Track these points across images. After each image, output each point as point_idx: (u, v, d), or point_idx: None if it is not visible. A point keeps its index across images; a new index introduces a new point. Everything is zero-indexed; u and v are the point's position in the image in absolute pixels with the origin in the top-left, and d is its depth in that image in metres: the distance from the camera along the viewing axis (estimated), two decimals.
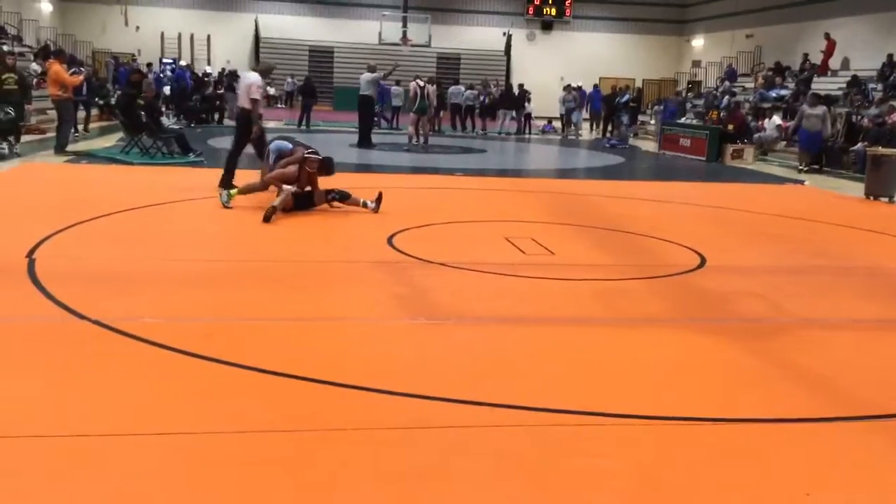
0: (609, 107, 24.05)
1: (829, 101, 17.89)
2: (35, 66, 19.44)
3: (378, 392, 3.70)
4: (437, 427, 3.40)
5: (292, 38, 32.85)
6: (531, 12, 34.48)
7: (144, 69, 22.70)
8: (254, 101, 9.35)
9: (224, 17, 32.49)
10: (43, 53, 21.73)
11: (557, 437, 3.36)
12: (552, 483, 2.96)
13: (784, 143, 19.46)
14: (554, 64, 33.49)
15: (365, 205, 8.51)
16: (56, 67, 13.11)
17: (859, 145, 15.37)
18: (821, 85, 21.88)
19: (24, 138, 14.87)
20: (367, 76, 17.48)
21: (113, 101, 18.70)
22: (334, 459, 3.06)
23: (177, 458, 3.02)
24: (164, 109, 17.88)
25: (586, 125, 26.52)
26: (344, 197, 8.52)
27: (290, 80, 29.43)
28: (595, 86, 24.67)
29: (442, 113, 22.45)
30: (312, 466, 3.01)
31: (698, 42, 34.01)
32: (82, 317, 4.56)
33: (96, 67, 24.26)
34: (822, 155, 16.17)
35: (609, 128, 24.13)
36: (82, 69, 17.14)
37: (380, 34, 30.74)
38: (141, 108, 13.00)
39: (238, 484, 2.85)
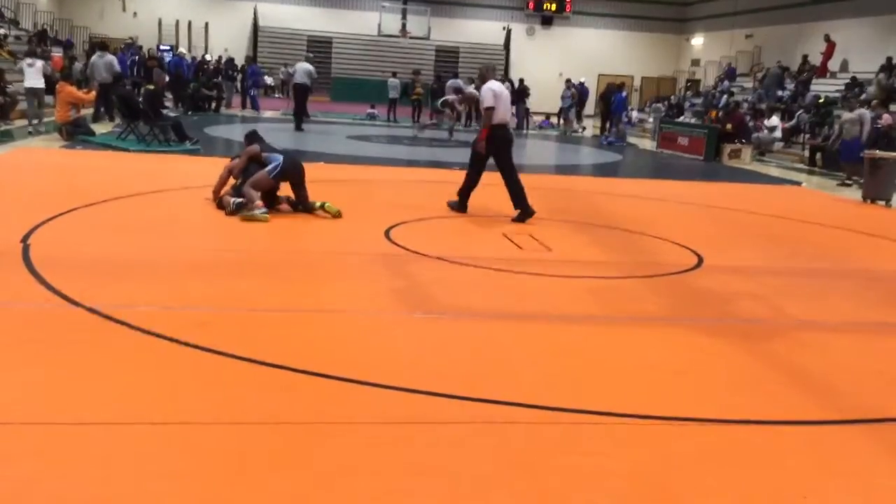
0: (605, 104, 24.06)
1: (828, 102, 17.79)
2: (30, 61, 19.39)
3: (373, 386, 3.68)
4: (432, 422, 3.38)
5: (291, 28, 32.74)
6: (531, 7, 34.44)
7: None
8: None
9: (222, 5, 32.35)
10: (38, 38, 21.61)
11: (553, 434, 3.35)
12: (547, 481, 2.94)
13: (782, 143, 19.49)
14: (553, 59, 33.47)
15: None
16: (69, 89, 13.35)
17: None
18: (820, 87, 21.91)
19: (18, 123, 14.86)
20: (304, 66, 18.37)
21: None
22: (327, 452, 3.04)
23: (170, 448, 3.00)
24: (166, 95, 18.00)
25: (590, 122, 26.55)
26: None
27: (287, 69, 29.25)
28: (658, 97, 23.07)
29: None
30: (306, 459, 2.99)
31: (698, 41, 34.02)
32: (77, 304, 4.53)
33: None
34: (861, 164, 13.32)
35: (608, 125, 24.14)
36: (93, 83, 17.35)
37: (379, 25, 30.73)
38: (142, 95, 13.00)
39: (232, 475, 2.82)
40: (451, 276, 5.95)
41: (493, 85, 8.42)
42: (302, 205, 7.87)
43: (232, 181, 7.96)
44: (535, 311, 5.18)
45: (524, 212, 8.33)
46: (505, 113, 8.56)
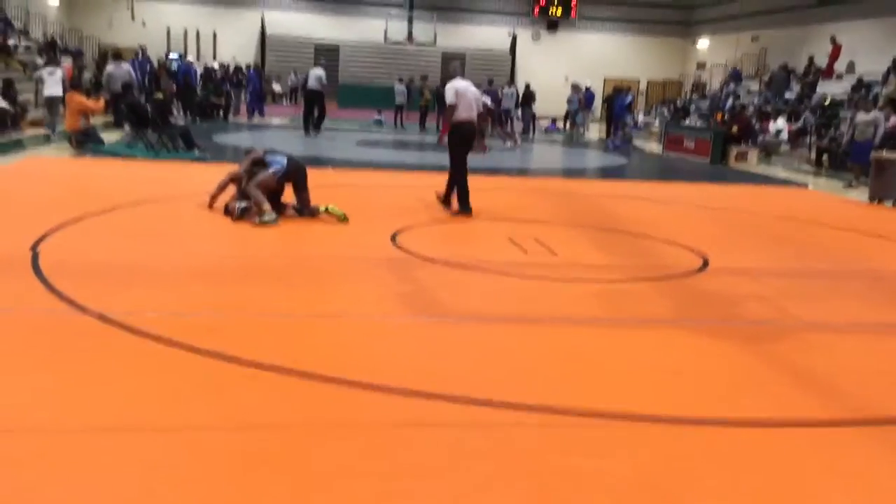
0: (610, 108, 24.02)
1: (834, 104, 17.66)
2: (40, 61, 19.51)
3: (379, 389, 3.70)
4: (437, 425, 3.40)
5: (298, 36, 32.85)
6: (536, 13, 34.44)
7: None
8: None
9: (230, 13, 32.48)
10: (48, 48, 21.76)
11: (557, 436, 3.36)
12: (551, 483, 2.96)
13: (788, 145, 19.44)
14: (559, 64, 33.46)
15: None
16: (78, 98, 13.42)
17: None
18: (826, 88, 21.84)
19: (29, 132, 14.99)
20: (315, 72, 18.34)
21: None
22: (334, 456, 3.06)
23: (177, 454, 3.03)
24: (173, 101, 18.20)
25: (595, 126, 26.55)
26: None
27: (296, 77, 29.39)
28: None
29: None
30: (312, 463, 3.02)
31: (703, 44, 33.96)
32: (85, 310, 4.57)
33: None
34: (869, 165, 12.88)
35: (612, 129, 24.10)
36: (102, 93, 17.59)
37: (385, 32, 30.79)
38: (150, 103, 13.09)
39: (238, 479, 2.85)
40: (457, 280, 5.98)
41: (456, 83, 8.72)
42: (306, 209, 7.92)
43: (234, 189, 8.02)
44: (540, 315, 5.19)
45: (446, 201, 8.82)
46: (468, 109, 8.72)
